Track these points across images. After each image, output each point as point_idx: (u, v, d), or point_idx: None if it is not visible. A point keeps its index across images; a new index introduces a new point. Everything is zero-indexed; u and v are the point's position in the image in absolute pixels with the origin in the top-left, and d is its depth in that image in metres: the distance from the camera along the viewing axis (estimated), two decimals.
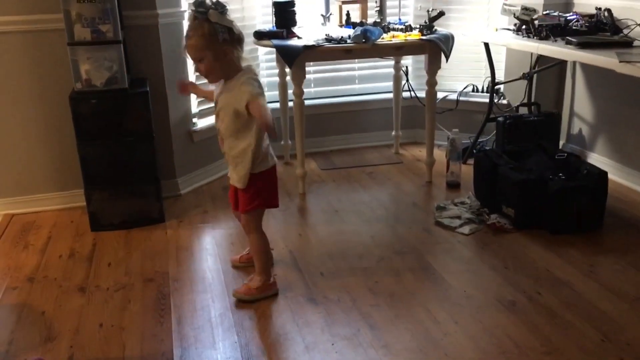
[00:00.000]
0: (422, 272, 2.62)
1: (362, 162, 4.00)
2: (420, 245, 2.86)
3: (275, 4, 3.51)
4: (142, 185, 3.12)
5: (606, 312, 2.29)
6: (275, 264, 2.71)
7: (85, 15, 2.84)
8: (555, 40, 3.18)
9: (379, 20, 3.57)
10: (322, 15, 3.75)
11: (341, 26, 3.67)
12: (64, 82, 3.10)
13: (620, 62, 2.65)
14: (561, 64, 3.76)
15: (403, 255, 2.77)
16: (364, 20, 3.62)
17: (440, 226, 3.04)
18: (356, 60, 4.13)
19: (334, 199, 3.42)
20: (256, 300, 2.43)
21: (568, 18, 3.33)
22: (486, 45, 3.68)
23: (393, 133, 4.15)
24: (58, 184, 3.34)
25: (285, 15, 3.46)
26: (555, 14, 3.39)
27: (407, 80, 4.14)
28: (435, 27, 3.44)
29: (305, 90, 3.36)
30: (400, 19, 3.66)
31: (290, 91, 3.57)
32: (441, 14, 3.44)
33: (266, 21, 3.84)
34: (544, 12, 3.45)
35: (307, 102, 3.44)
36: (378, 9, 3.64)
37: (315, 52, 3.21)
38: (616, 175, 3.51)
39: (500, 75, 3.95)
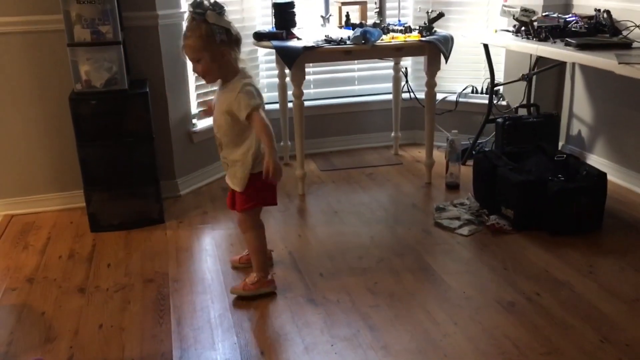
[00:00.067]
0: (421, 273, 2.62)
1: (362, 163, 4.00)
2: (419, 246, 2.86)
3: (275, 5, 3.51)
4: (142, 186, 3.12)
5: (605, 313, 2.30)
6: (274, 264, 2.71)
7: (85, 16, 2.85)
8: (555, 42, 3.18)
9: (378, 21, 3.58)
10: (321, 16, 3.76)
11: (341, 27, 3.67)
12: (63, 83, 3.10)
13: (620, 63, 2.66)
14: (560, 65, 3.76)
15: (402, 256, 2.77)
16: (363, 22, 3.62)
17: (440, 227, 3.04)
18: (356, 61, 4.13)
19: (334, 200, 3.42)
20: (253, 296, 2.44)
21: (567, 19, 3.34)
22: (485, 46, 3.69)
23: (392, 134, 4.15)
24: (58, 185, 3.34)
25: (284, 17, 3.47)
26: (555, 15, 3.40)
27: (407, 82, 4.14)
28: (434, 29, 3.45)
29: (304, 91, 3.36)
30: (399, 20, 3.66)
31: (289, 92, 3.57)
32: (440, 15, 3.45)
33: (266, 22, 3.84)
34: (543, 14, 3.45)
35: (306, 103, 3.44)
36: (377, 10, 3.65)
37: (315, 53, 3.21)
38: (615, 176, 3.52)
39: (499, 77, 3.95)
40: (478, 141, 3.90)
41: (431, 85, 3.47)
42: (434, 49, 3.33)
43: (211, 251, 2.89)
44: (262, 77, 4.05)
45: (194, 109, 3.63)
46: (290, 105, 3.61)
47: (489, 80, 3.84)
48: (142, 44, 3.23)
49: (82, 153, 3.00)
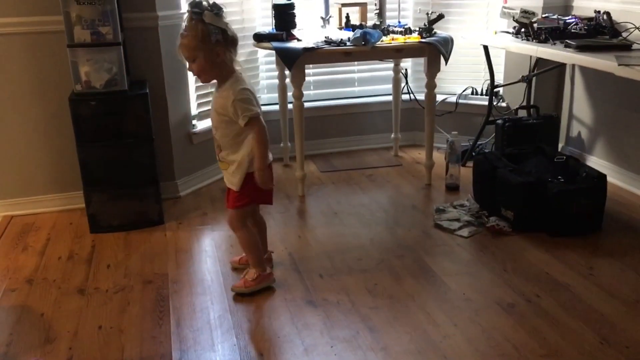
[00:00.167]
0: (421, 275, 2.62)
1: (362, 164, 4.00)
2: (419, 248, 2.86)
3: (275, 7, 3.51)
4: (142, 187, 3.12)
5: (605, 314, 2.30)
6: (274, 266, 2.71)
7: (85, 17, 2.85)
8: (554, 44, 3.18)
9: (378, 22, 3.58)
10: (321, 17, 3.76)
11: (341, 29, 3.67)
12: (63, 83, 3.10)
13: (619, 65, 2.66)
14: (560, 67, 3.76)
15: (402, 257, 2.77)
16: (363, 23, 3.63)
17: (440, 229, 3.04)
18: (356, 62, 4.13)
19: (334, 202, 3.42)
20: (254, 292, 2.46)
21: (567, 21, 3.34)
22: (485, 48, 3.69)
23: (392, 135, 4.15)
24: (57, 186, 3.34)
25: (284, 18, 3.47)
26: (555, 17, 3.40)
27: (407, 83, 4.14)
28: (434, 30, 3.45)
29: (304, 92, 3.36)
30: (399, 22, 3.66)
31: (289, 93, 3.57)
32: (440, 16, 3.45)
33: (266, 23, 3.84)
34: (543, 15, 3.45)
35: (306, 105, 3.44)
36: (377, 11, 3.65)
37: (315, 55, 3.22)
38: (615, 178, 3.52)
39: (499, 78, 3.95)
40: (478, 142, 3.90)
41: (431, 86, 3.47)
42: (434, 50, 3.33)
43: (211, 252, 2.89)
44: (262, 79, 4.05)
45: (194, 110, 3.63)
46: (290, 106, 3.61)
47: (488, 81, 3.84)
48: (142, 45, 3.23)
49: (81, 154, 3.00)
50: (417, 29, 3.47)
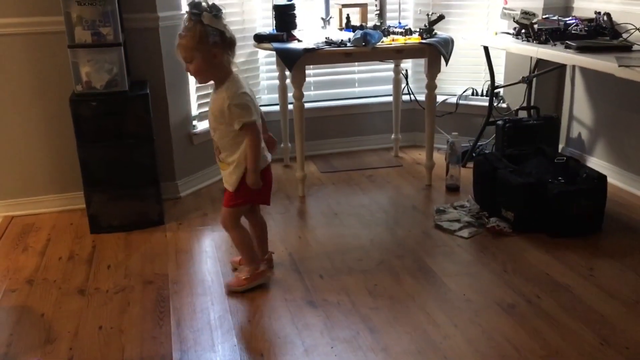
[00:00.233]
0: (421, 275, 2.62)
1: (362, 165, 4.00)
2: (419, 249, 2.86)
3: (275, 7, 3.51)
4: (142, 187, 3.12)
5: (605, 315, 2.30)
6: (274, 266, 2.71)
7: (86, 17, 2.85)
8: (555, 45, 3.18)
9: (378, 23, 3.58)
10: (322, 18, 3.76)
11: (341, 29, 3.67)
12: (64, 84, 3.10)
13: (620, 66, 2.66)
14: (560, 68, 3.77)
15: (402, 258, 2.77)
16: (363, 24, 3.63)
17: (440, 229, 3.04)
18: (356, 63, 4.13)
19: (334, 202, 3.42)
20: (248, 290, 2.48)
21: (567, 22, 3.34)
22: (486, 49, 3.69)
23: (393, 136, 4.15)
24: (58, 186, 3.34)
25: (285, 19, 3.47)
26: (555, 18, 3.40)
27: (407, 84, 4.14)
28: (435, 31, 3.45)
29: (305, 93, 3.36)
30: (400, 23, 3.67)
31: (290, 94, 3.57)
32: (441, 17, 3.45)
33: (266, 24, 3.85)
34: (544, 16, 3.45)
35: (307, 105, 3.44)
36: (378, 12, 3.65)
37: (315, 55, 3.22)
38: (615, 179, 3.52)
39: (499, 79, 3.95)
40: (478, 143, 3.90)
41: (431, 87, 3.47)
42: (434, 51, 3.34)
43: (211, 253, 2.89)
44: (263, 79, 4.05)
45: (194, 111, 3.63)
46: (290, 107, 3.61)
47: (489, 82, 3.84)
48: (142, 46, 3.23)
49: (82, 154, 3.00)
50: (418, 29, 3.47)
